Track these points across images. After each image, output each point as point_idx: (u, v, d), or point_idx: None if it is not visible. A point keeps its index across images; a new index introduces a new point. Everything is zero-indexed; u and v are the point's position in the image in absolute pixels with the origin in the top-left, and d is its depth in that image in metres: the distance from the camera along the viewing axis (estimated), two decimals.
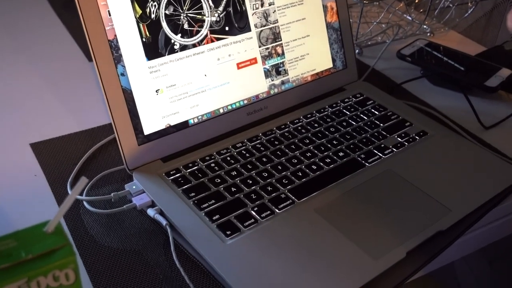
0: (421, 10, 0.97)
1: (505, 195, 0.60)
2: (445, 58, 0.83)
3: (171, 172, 0.59)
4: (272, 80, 0.70)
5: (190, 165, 0.61)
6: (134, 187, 0.58)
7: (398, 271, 0.51)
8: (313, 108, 0.71)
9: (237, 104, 0.67)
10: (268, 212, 0.55)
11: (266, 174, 0.60)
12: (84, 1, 0.55)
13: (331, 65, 0.75)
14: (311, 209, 0.56)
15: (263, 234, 0.53)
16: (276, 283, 0.48)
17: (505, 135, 0.72)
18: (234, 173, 0.60)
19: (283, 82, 0.71)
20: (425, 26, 0.93)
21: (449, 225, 0.55)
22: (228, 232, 0.52)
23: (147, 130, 0.60)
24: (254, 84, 0.68)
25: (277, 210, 0.55)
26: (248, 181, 0.59)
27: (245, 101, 0.68)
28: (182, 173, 0.59)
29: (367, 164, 0.62)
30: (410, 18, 0.96)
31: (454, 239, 0.55)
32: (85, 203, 0.57)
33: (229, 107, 0.66)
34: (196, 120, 0.64)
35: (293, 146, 0.64)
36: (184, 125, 0.63)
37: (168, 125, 0.62)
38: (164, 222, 0.53)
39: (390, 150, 0.65)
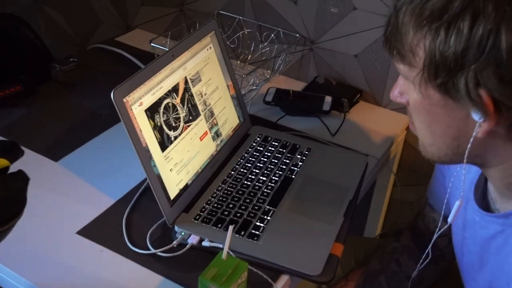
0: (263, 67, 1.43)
1: (364, 170, 1.10)
2: (291, 97, 1.29)
3: (196, 217, 0.94)
4: (216, 141, 1.07)
5: (202, 209, 0.96)
6: (183, 233, 0.91)
7: (343, 227, 0.96)
8: (241, 151, 1.11)
9: (205, 163, 1.03)
10: (266, 219, 0.94)
11: (248, 200, 0.98)
12: (131, 127, 0.86)
13: (238, 121, 1.16)
14: (285, 209, 0.97)
15: (271, 230, 0.92)
16: (287, 248, 0.88)
17: (343, 136, 1.22)
18: (231, 205, 0.97)
19: (221, 141, 1.09)
20: (268, 76, 1.39)
21: (351, 196, 1.02)
22: (255, 238, 0.90)
23: (172, 196, 0.93)
24: (209, 147, 1.05)
25: (269, 218, 0.95)
26: (242, 207, 0.97)
27: (208, 160, 1.04)
28: (203, 215, 0.94)
29: (293, 176, 1.06)
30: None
31: (356, 201, 1.02)
32: (158, 253, 0.88)
33: (202, 166, 1.02)
34: (190, 181, 0.98)
35: (249, 178, 1.04)
36: (186, 186, 0.97)
37: (179, 189, 0.95)
38: (220, 245, 0.88)
39: (300, 164, 1.09)
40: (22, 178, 0.66)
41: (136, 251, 0.90)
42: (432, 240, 0.89)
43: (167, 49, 1.26)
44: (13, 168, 0.65)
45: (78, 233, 0.93)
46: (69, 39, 1.88)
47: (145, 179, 1.05)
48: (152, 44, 1.29)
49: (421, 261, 0.92)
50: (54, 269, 0.86)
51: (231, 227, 0.73)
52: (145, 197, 1.01)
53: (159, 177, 0.91)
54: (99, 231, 0.94)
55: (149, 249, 0.90)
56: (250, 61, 1.47)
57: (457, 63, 0.64)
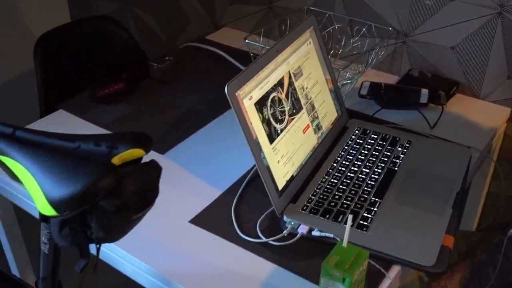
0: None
1: (469, 162, 1.08)
2: (386, 90, 1.29)
3: (304, 208, 0.95)
4: (317, 134, 1.09)
5: (309, 200, 0.97)
6: (292, 223, 0.92)
7: (453, 218, 0.95)
8: (342, 144, 1.12)
9: (308, 155, 1.05)
10: (373, 210, 0.95)
11: (353, 191, 0.99)
12: (243, 120, 0.88)
13: (336, 114, 1.16)
14: (392, 200, 0.97)
15: (379, 221, 0.92)
16: (398, 238, 0.88)
17: (441, 129, 1.20)
18: (336, 196, 0.98)
19: (322, 134, 1.10)
20: (360, 70, 1.39)
21: (458, 188, 1.01)
22: (364, 229, 0.91)
23: (280, 186, 0.95)
24: (311, 139, 1.06)
25: (376, 209, 0.95)
26: (348, 198, 0.97)
27: (311, 152, 1.06)
28: (310, 206, 0.96)
29: (396, 168, 1.05)
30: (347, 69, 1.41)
31: (462, 193, 1.01)
32: (270, 241, 0.91)
33: (306, 158, 1.04)
34: (295, 173, 1.00)
35: (351, 170, 1.04)
36: (292, 177, 0.99)
37: (286, 180, 0.97)
38: (331, 235, 0.90)
39: (401, 156, 1.08)
40: (155, 168, 0.70)
41: (247, 239, 0.92)
42: None
43: (263, 46, 1.29)
44: None
45: (190, 222, 0.97)
46: (158, 38, 1.95)
47: (248, 171, 1.08)
48: (247, 41, 1.32)
49: None
50: (172, 255, 0.90)
51: (350, 216, 0.74)
52: (249, 188, 1.04)
53: (268, 169, 0.93)
54: (210, 220, 0.97)
55: (259, 238, 0.92)
56: (340, 56, 1.48)
57: None
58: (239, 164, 1.10)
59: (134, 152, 0.68)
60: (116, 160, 0.67)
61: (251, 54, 1.35)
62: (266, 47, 1.28)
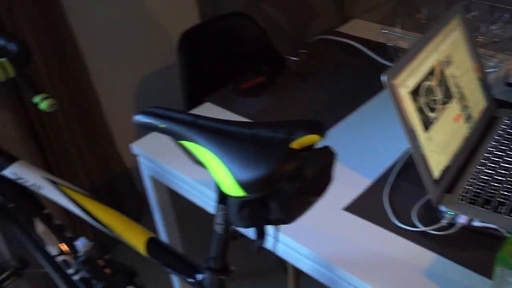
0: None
1: None
2: None
3: (461, 198, 0.94)
4: (468, 124, 1.06)
5: (465, 190, 0.96)
6: (450, 213, 0.92)
7: None
8: (493, 133, 1.09)
9: (460, 144, 1.03)
10: None
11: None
12: (400, 109, 0.89)
13: (485, 104, 1.13)
14: None
15: None
16: None
17: None
18: (494, 187, 0.96)
19: (473, 123, 1.08)
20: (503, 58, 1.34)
21: None
22: None
23: (435, 176, 0.95)
24: (462, 129, 1.04)
25: None
26: (507, 189, 0.95)
27: (463, 142, 1.04)
28: (467, 196, 0.94)
29: None
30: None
31: None
32: (428, 230, 0.91)
33: (458, 148, 1.02)
34: (449, 163, 0.99)
35: (507, 160, 1.01)
36: (446, 167, 0.98)
37: (440, 170, 0.97)
38: (492, 225, 0.88)
39: None
40: (330, 153, 0.72)
41: (403, 227, 0.93)
42: None
43: (401, 35, 1.28)
44: None
45: (344, 210, 0.99)
46: (283, 32, 1.99)
47: (395, 162, 1.08)
48: (384, 31, 1.31)
49: None
50: (329, 241, 0.93)
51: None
52: (398, 178, 1.04)
53: (423, 158, 0.93)
54: (364, 208, 0.98)
55: (416, 227, 0.92)
56: (480, 44, 1.43)
57: None
58: (386, 155, 1.10)
59: (311, 138, 0.71)
60: (295, 145, 0.70)
61: (391, 45, 1.34)
62: (405, 37, 1.28)
